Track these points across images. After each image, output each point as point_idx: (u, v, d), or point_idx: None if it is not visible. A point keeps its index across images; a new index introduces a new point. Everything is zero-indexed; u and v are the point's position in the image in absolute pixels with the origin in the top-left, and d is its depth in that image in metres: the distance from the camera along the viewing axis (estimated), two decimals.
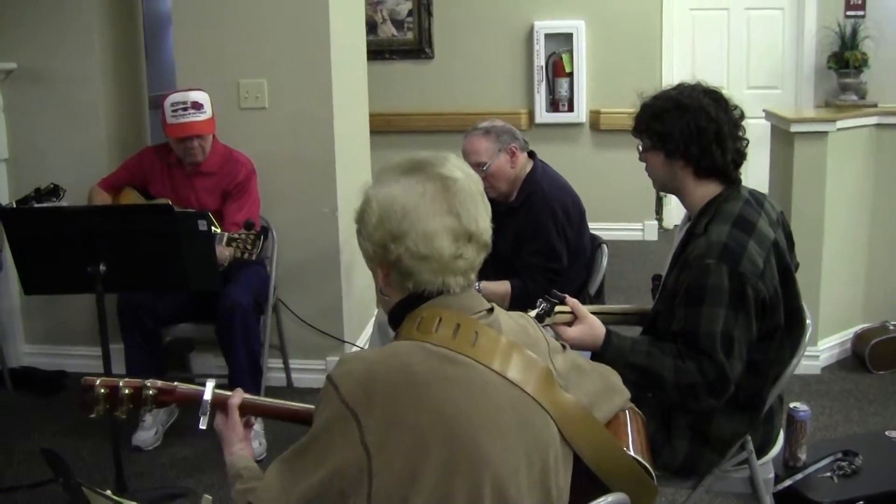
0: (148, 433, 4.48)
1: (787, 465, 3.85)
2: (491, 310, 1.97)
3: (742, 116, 2.96)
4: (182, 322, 4.73)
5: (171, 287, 4.15)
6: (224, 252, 4.12)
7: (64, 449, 3.91)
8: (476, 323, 1.90)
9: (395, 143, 7.66)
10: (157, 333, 4.57)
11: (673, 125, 2.87)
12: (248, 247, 4.11)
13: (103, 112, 5.27)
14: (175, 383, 2.24)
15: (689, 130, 2.85)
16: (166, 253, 3.75)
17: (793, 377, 5.03)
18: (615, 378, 2.26)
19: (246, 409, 2.21)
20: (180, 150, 4.60)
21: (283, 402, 2.31)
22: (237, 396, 2.20)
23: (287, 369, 5.21)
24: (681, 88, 2.96)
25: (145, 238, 3.73)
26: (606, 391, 2.18)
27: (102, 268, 3.62)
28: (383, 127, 7.65)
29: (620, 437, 2.13)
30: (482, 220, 1.93)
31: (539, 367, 1.92)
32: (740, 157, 2.93)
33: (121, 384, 2.19)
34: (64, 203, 4.47)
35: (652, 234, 8.49)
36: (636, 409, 2.28)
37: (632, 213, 8.40)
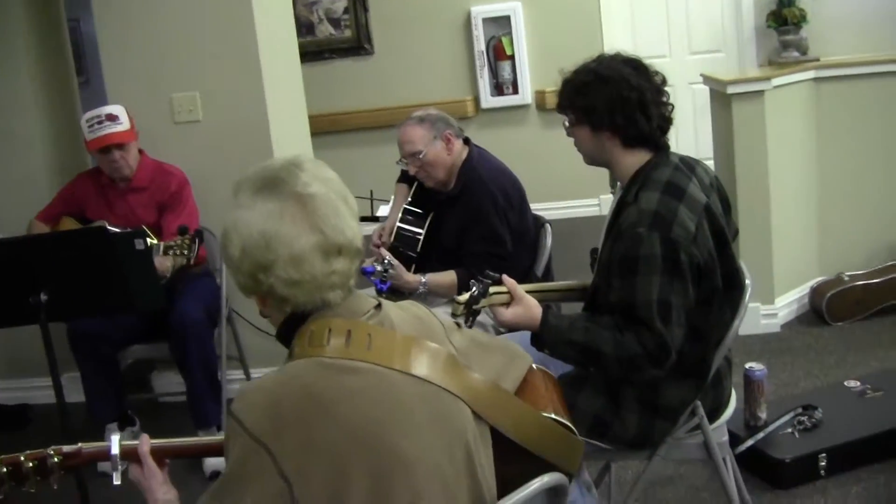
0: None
1: (749, 426, 3.87)
2: (379, 305, 1.94)
3: (664, 82, 2.97)
4: (135, 343, 4.68)
5: (116, 310, 4.08)
6: (165, 263, 4.09)
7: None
8: (367, 325, 1.86)
9: (341, 143, 7.64)
10: (112, 358, 4.53)
11: (596, 97, 2.87)
12: (185, 251, 4.05)
13: (39, 141, 5.22)
14: (79, 444, 2.15)
15: (612, 101, 2.84)
16: (107, 276, 3.68)
17: (753, 337, 5.13)
18: (514, 345, 2.25)
19: (156, 454, 2.12)
20: (105, 164, 4.58)
21: (193, 439, 2.28)
22: (145, 443, 2.11)
23: (248, 380, 5.15)
24: (600, 60, 2.96)
25: (84, 262, 3.65)
26: (509, 359, 2.16)
27: (44, 297, 3.54)
28: (328, 127, 7.59)
29: (535, 401, 2.11)
30: (349, 228, 1.88)
31: (441, 355, 1.90)
32: (666, 122, 2.93)
33: (22, 458, 2.11)
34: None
35: (608, 208, 8.43)
36: (543, 367, 2.27)
37: (587, 189, 8.27)
